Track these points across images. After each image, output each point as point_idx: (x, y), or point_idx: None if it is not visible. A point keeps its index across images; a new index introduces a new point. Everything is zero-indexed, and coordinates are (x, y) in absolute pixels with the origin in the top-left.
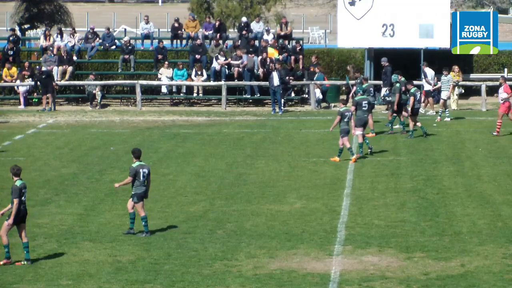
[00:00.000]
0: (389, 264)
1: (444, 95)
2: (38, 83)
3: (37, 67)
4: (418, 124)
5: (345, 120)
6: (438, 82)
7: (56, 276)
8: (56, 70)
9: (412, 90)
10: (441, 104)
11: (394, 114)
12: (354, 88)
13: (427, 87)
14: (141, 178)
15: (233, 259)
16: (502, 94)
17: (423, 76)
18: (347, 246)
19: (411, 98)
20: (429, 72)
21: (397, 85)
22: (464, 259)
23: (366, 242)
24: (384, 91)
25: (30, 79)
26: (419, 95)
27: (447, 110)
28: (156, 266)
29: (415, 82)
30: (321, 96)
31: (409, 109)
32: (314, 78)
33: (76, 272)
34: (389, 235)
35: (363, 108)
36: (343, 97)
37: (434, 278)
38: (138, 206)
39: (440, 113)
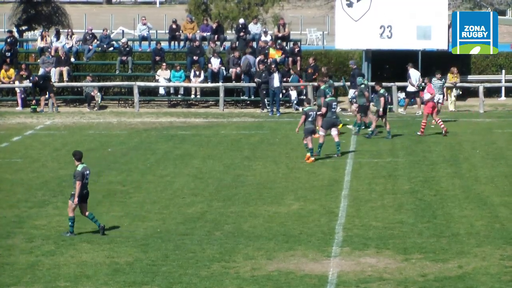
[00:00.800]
0: (386, 266)
1: (436, 98)
2: (37, 88)
3: (32, 76)
4: (373, 125)
5: (309, 119)
6: (422, 84)
7: (54, 277)
8: (53, 72)
9: (381, 91)
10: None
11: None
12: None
13: (411, 88)
14: (85, 180)
15: (231, 261)
16: (426, 94)
17: (407, 77)
18: (344, 248)
19: (381, 99)
20: (414, 73)
21: (362, 86)
22: (462, 261)
23: (363, 244)
24: (352, 93)
25: (28, 80)
26: (387, 96)
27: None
28: (154, 268)
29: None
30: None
31: (381, 109)
32: (289, 80)
33: (74, 274)
34: (387, 236)
35: (332, 109)
36: (309, 97)
37: (432, 280)
38: (73, 206)
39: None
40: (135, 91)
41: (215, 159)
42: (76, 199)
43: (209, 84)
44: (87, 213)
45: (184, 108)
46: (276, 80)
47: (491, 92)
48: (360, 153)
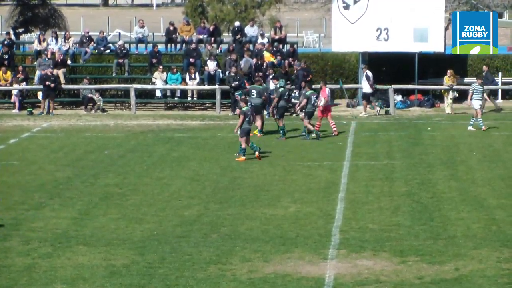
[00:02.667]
0: (383, 268)
1: (476, 104)
2: (46, 83)
3: (50, 66)
4: (310, 127)
5: (247, 119)
6: (376, 86)
7: (51, 280)
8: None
9: (307, 93)
10: (478, 113)
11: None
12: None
13: (368, 90)
14: None
15: (228, 263)
16: (320, 99)
17: (365, 79)
18: (341, 250)
19: (304, 100)
20: (370, 75)
21: (281, 90)
22: (459, 263)
23: (360, 246)
24: (293, 94)
25: (24, 83)
26: (314, 98)
27: (480, 118)
28: (151, 270)
29: (410, 86)
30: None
31: (298, 108)
32: None
33: (71, 276)
34: (384, 239)
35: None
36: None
37: (429, 282)
38: None
39: (472, 122)
40: (132, 93)
41: (212, 162)
42: None
43: (206, 87)
44: None
45: (180, 111)
46: (271, 83)
47: (488, 95)
48: (357, 156)
